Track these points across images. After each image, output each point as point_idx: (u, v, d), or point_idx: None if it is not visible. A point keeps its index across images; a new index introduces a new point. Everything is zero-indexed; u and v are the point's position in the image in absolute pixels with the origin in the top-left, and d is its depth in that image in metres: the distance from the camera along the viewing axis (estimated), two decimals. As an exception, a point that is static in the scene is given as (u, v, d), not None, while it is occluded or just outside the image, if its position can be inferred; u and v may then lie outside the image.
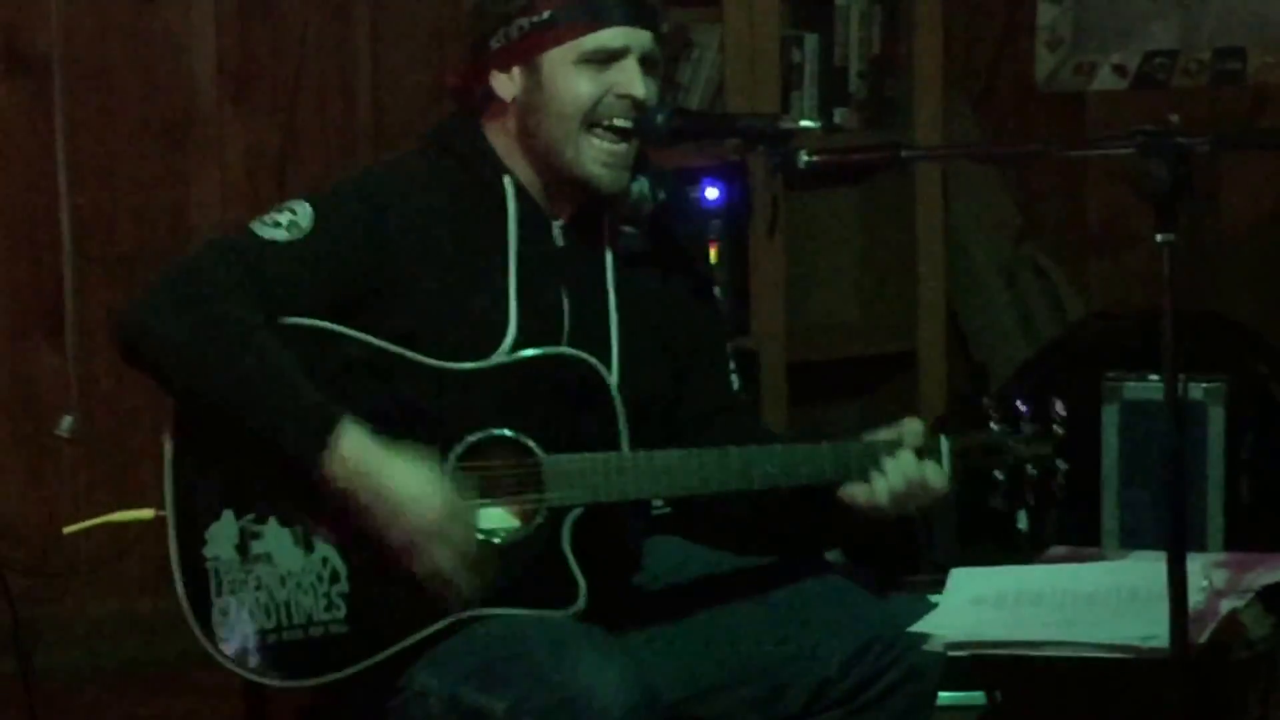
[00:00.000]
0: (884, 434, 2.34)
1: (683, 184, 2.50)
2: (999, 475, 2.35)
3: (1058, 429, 2.34)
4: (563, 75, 2.28)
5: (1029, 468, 2.34)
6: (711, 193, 3.49)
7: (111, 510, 2.41)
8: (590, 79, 2.28)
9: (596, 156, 2.30)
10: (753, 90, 3.65)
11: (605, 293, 2.36)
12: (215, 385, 2.21)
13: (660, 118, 2.32)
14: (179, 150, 3.74)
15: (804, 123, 2.41)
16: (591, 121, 2.29)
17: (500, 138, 2.35)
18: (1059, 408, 2.34)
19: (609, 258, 2.37)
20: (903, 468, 2.29)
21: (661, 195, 2.40)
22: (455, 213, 2.33)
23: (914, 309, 3.84)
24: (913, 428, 2.33)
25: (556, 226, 2.36)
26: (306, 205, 2.29)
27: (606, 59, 2.28)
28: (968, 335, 4.05)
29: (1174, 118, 2.04)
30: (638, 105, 2.28)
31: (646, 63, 2.30)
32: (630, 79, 2.27)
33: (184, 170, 3.74)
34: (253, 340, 2.22)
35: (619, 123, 2.29)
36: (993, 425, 2.36)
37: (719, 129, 2.46)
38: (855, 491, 2.31)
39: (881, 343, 3.90)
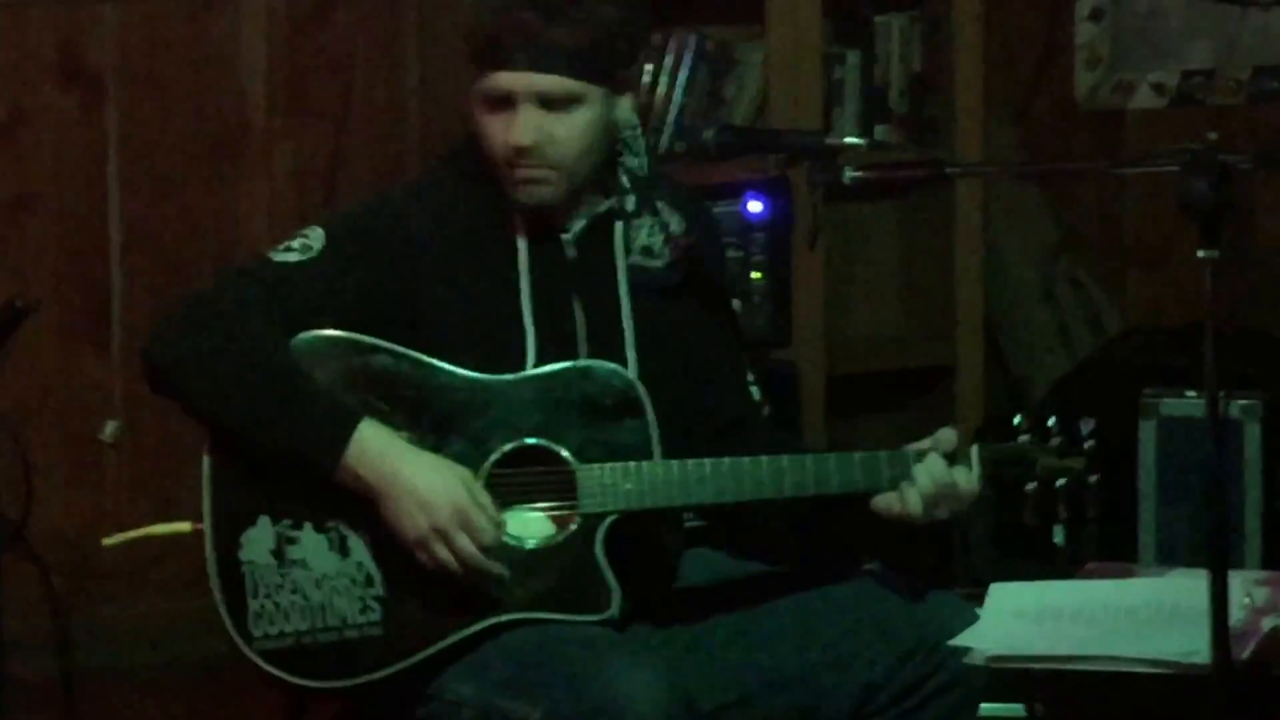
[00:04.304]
0: (918, 445, 2.37)
1: (713, 218, 2.56)
2: (1030, 488, 2.38)
3: (1088, 444, 2.37)
4: (478, 114, 2.36)
5: (1060, 481, 2.37)
6: (755, 206, 3.52)
7: (153, 516, 2.46)
8: (493, 122, 2.35)
9: (512, 181, 2.36)
10: (795, 106, 3.68)
11: (619, 302, 2.41)
12: (234, 399, 2.27)
13: (709, 134, 2.38)
14: (229, 162, 3.77)
15: (849, 139, 2.45)
16: (504, 164, 2.35)
17: None
18: (1087, 425, 2.38)
19: (621, 266, 2.42)
20: (932, 471, 2.32)
21: (694, 238, 2.45)
22: (466, 234, 2.38)
23: (953, 322, 3.86)
24: (945, 435, 2.37)
25: (566, 238, 2.41)
26: (319, 229, 2.36)
27: (504, 102, 2.33)
28: (1006, 349, 4.06)
29: (1212, 135, 2.06)
30: (520, 151, 2.33)
31: (554, 104, 2.34)
32: (509, 126, 2.33)
33: (234, 182, 3.77)
34: (267, 353, 2.28)
35: (522, 171, 2.34)
36: (1023, 439, 2.39)
37: (766, 145, 2.50)
38: (887, 501, 2.34)
39: (920, 356, 3.92)
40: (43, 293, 3.59)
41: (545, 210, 2.38)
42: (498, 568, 2.27)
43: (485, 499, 2.27)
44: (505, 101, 2.33)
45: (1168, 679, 2.16)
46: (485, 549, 2.26)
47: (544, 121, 2.33)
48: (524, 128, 2.32)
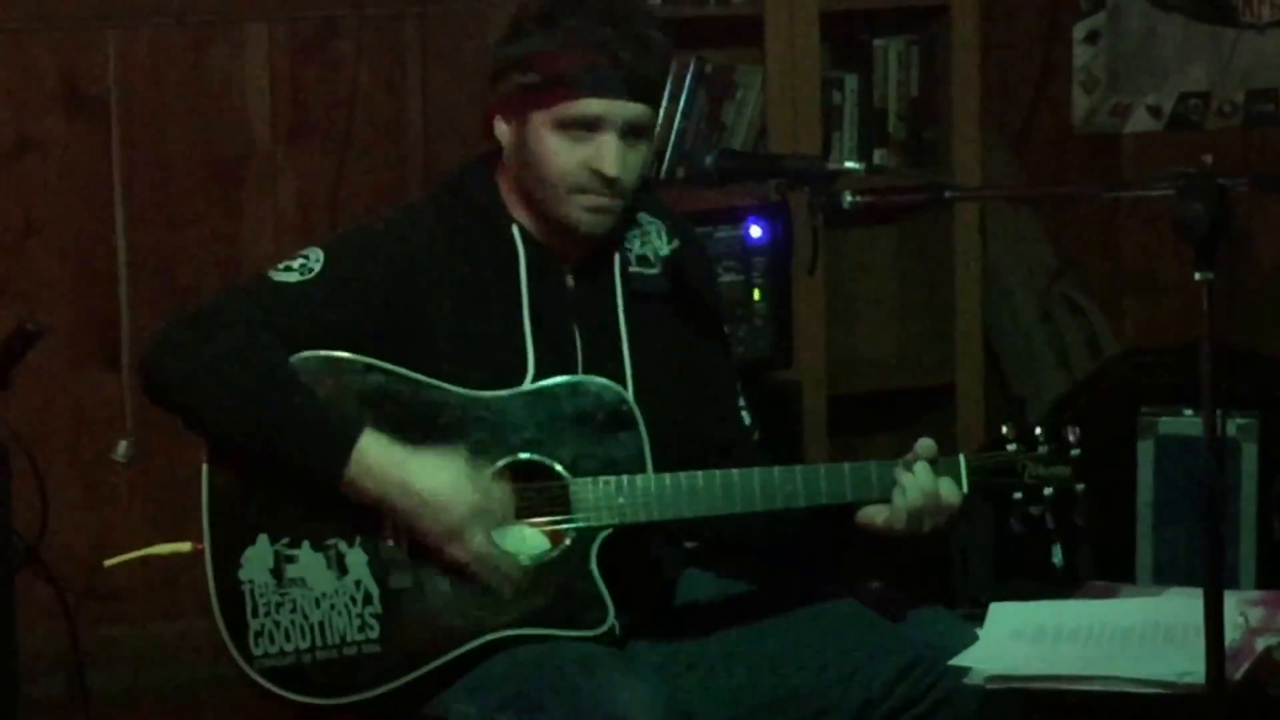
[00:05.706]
0: (905, 460, 2.38)
1: (694, 229, 2.59)
2: (1017, 496, 2.40)
3: (1074, 452, 2.40)
4: (544, 139, 2.33)
5: (1046, 490, 2.39)
6: (755, 231, 3.55)
7: (165, 535, 2.47)
8: (567, 148, 2.33)
9: (580, 206, 2.35)
10: (794, 131, 3.71)
11: (618, 331, 2.42)
12: (235, 413, 2.28)
13: (709, 159, 2.39)
14: (233, 188, 3.79)
15: (848, 164, 2.48)
16: (573, 190, 2.35)
17: (506, 182, 2.42)
18: (1073, 433, 2.40)
19: (620, 298, 2.43)
20: (918, 481, 2.34)
21: (676, 243, 2.47)
22: (467, 258, 2.39)
23: (952, 344, 3.88)
24: (924, 444, 2.38)
25: (568, 271, 2.42)
26: (319, 250, 2.37)
27: (585, 128, 2.33)
28: (1005, 370, 4.09)
29: (1208, 158, 2.07)
30: (608, 180, 2.33)
31: (632, 132, 2.34)
32: (601, 154, 2.32)
33: (238, 207, 3.79)
34: (267, 367, 2.29)
35: (595, 199, 2.34)
36: (1009, 448, 2.41)
37: (765, 170, 2.52)
38: (873, 513, 2.37)
39: (921, 377, 3.93)
40: (53, 316, 3.61)
41: (595, 239, 2.39)
42: (513, 565, 2.29)
43: (494, 487, 2.29)
44: (587, 127, 2.32)
45: (1163, 699, 2.17)
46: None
47: (624, 152, 2.34)
48: (617, 157, 2.32)
